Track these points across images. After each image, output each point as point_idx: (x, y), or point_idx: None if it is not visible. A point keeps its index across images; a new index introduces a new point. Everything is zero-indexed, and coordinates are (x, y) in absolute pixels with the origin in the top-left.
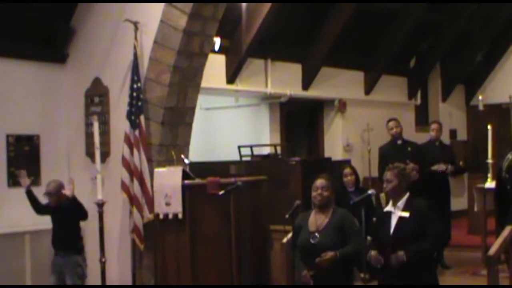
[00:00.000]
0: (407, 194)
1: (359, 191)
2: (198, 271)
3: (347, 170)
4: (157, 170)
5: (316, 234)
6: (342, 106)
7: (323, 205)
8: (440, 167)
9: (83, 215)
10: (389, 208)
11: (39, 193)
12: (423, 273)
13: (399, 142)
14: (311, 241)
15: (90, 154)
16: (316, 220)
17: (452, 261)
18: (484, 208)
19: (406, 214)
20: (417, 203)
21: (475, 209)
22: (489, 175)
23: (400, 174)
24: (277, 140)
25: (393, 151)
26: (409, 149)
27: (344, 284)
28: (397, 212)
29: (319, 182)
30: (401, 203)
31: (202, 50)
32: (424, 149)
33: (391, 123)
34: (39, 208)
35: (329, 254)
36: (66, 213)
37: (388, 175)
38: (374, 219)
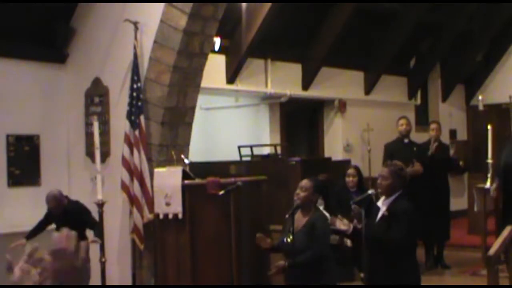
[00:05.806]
0: (397, 194)
1: (361, 192)
2: (198, 271)
3: (350, 171)
4: (157, 170)
5: (291, 234)
6: (342, 106)
7: (301, 205)
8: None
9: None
10: (379, 203)
11: (39, 193)
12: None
13: (406, 141)
14: (285, 240)
15: (90, 154)
16: (297, 221)
17: (452, 261)
18: (484, 208)
19: (386, 213)
20: (400, 205)
21: (475, 209)
22: (489, 175)
23: (396, 173)
24: (277, 140)
25: (399, 149)
26: (414, 149)
27: (317, 281)
28: (382, 209)
29: (303, 182)
30: (387, 201)
31: (202, 50)
32: (423, 148)
33: (402, 121)
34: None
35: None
36: (71, 217)
37: (384, 171)
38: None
